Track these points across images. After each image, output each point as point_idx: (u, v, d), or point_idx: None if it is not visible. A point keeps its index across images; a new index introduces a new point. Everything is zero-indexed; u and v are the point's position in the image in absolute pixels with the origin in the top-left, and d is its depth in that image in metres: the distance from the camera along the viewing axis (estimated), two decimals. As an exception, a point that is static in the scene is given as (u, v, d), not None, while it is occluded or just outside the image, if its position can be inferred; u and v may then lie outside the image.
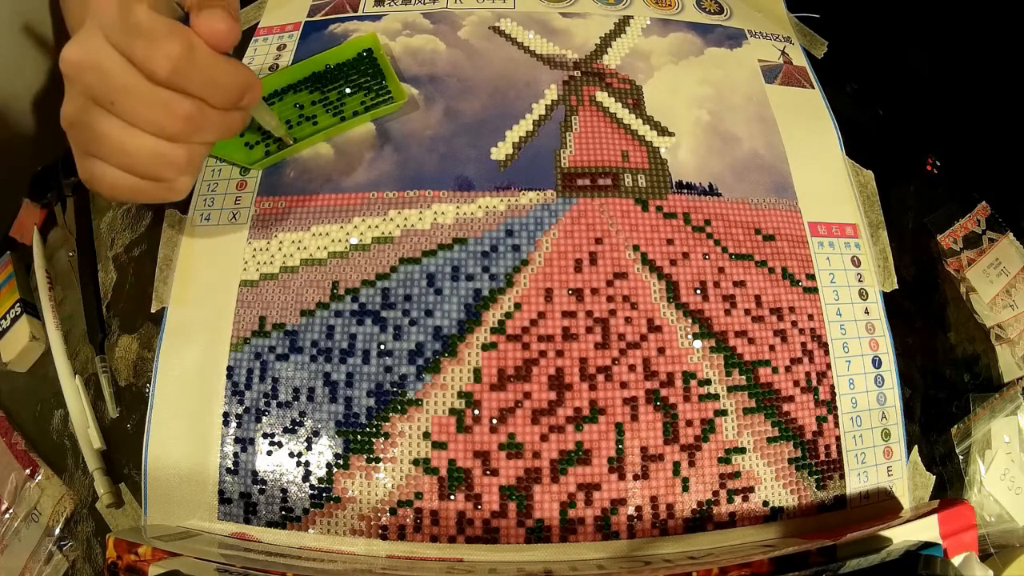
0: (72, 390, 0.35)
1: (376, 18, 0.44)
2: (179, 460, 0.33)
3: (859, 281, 0.37)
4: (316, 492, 0.32)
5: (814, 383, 0.35)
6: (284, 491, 0.32)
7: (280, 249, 0.36)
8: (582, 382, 0.33)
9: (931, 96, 0.45)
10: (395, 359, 0.33)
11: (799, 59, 0.45)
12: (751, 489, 0.33)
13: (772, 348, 0.35)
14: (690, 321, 0.35)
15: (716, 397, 0.34)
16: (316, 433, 0.33)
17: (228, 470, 0.33)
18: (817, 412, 0.34)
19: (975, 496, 0.36)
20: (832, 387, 0.35)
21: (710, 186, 0.38)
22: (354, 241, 0.36)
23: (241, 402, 0.33)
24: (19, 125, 0.46)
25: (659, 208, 0.37)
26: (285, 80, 0.41)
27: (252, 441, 0.33)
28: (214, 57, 0.27)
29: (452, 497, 0.32)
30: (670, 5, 0.46)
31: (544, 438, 0.32)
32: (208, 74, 0.27)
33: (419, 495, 0.32)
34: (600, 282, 0.35)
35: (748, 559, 0.27)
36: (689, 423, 0.33)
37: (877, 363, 0.36)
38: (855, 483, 0.34)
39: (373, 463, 0.32)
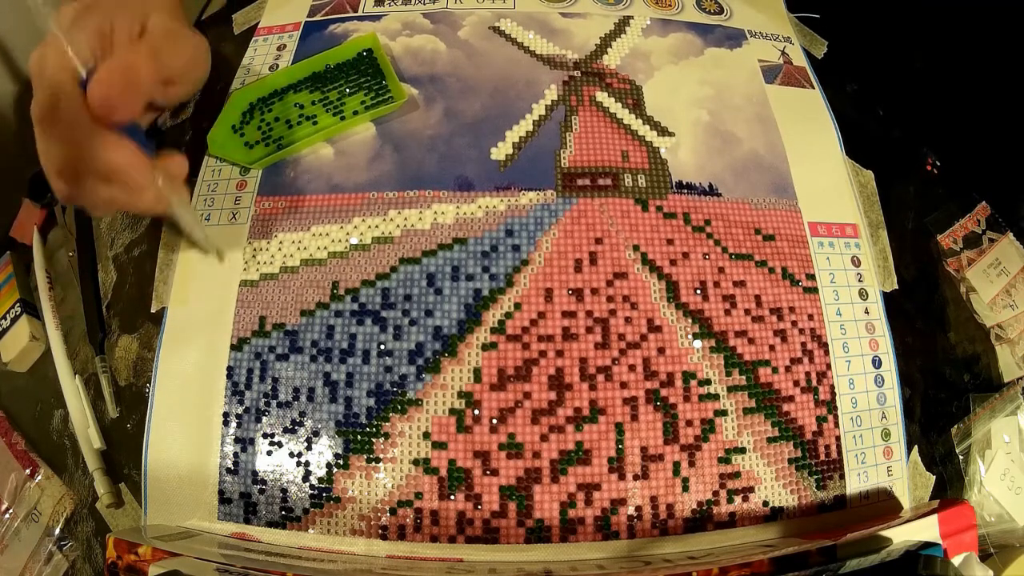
0: (72, 390, 0.35)
1: (376, 18, 0.44)
2: (179, 460, 0.33)
3: (859, 281, 0.37)
4: (316, 492, 0.32)
5: (814, 383, 0.35)
6: (284, 491, 0.32)
7: (280, 249, 0.36)
8: (582, 382, 0.33)
9: (931, 96, 0.45)
10: (395, 359, 0.33)
11: (799, 59, 0.45)
12: (751, 489, 0.33)
13: (772, 348, 0.35)
14: (690, 321, 0.35)
15: (716, 397, 0.34)
16: (316, 433, 0.33)
17: (228, 470, 0.33)
18: (817, 412, 0.34)
19: (975, 496, 0.36)
20: (832, 387, 0.35)
21: (710, 186, 0.38)
22: (354, 241, 0.36)
23: (241, 402, 0.33)
24: (18, 125, 0.46)
25: (659, 208, 0.37)
26: (285, 80, 0.41)
27: (252, 441, 0.33)
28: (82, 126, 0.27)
29: (452, 497, 0.32)
30: (670, 5, 0.46)
31: (544, 438, 0.32)
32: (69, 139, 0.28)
33: (419, 495, 0.32)
34: (600, 282, 0.35)
35: (748, 559, 0.27)
36: (689, 423, 0.33)
37: (877, 363, 0.36)
38: (855, 483, 0.34)
39: (373, 463, 0.32)
